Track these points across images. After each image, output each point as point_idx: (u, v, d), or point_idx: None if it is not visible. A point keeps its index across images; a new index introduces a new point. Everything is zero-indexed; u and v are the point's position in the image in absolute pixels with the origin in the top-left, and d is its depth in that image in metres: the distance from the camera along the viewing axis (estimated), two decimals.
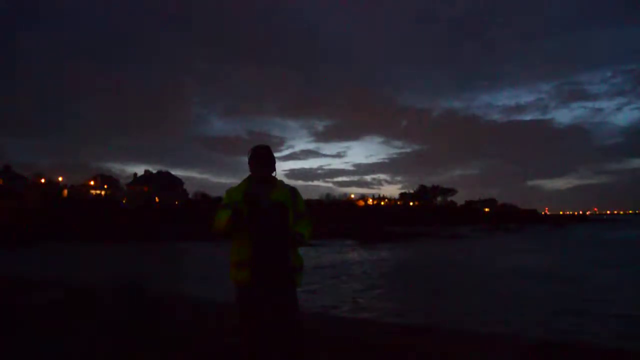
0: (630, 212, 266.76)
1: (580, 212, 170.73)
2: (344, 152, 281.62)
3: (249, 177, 2.89)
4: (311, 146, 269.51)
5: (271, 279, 2.70)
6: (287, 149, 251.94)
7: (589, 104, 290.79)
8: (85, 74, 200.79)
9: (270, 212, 2.73)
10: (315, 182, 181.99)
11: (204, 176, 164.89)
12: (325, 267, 21.56)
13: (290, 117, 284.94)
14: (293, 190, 2.91)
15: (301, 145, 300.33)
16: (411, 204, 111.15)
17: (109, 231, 43.25)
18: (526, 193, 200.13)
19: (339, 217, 67.54)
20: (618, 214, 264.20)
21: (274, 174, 2.90)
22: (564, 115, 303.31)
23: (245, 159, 2.91)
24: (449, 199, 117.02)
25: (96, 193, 76.27)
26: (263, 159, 2.83)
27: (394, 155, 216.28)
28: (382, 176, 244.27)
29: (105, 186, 79.33)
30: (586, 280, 16.77)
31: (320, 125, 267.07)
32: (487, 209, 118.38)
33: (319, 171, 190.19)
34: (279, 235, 2.71)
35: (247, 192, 2.78)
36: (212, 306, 7.24)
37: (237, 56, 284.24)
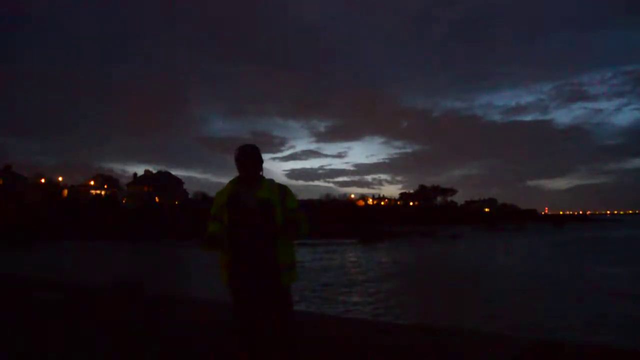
0: (630, 212, 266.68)
1: (580, 212, 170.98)
2: (345, 152, 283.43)
3: (236, 178, 2.88)
4: (312, 146, 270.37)
5: (253, 279, 2.68)
6: (288, 149, 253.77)
7: (589, 105, 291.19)
8: (86, 74, 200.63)
9: (254, 210, 2.70)
10: (316, 182, 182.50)
11: (205, 176, 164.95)
12: (325, 267, 21.55)
13: (292, 117, 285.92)
14: (283, 188, 2.86)
15: (302, 145, 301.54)
16: (411, 204, 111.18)
17: (109, 231, 43.24)
18: (526, 193, 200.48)
19: (339, 217, 67.51)
20: (618, 214, 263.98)
21: (261, 173, 2.88)
22: (564, 116, 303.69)
23: None
24: (449, 199, 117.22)
25: (96, 193, 76.27)
26: (248, 158, 2.80)
27: (395, 156, 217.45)
28: (382, 176, 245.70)
29: (105, 186, 79.35)
30: (583, 279, 16.77)
31: (321, 126, 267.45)
32: (487, 209, 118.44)
33: (320, 171, 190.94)
34: (263, 233, 2.68)
35: (231, 194, 2.79)
36: (211, 306, 7.24)
37: (239, 57, 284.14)
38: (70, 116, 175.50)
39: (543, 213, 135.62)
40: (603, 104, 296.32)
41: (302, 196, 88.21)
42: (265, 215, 2.71)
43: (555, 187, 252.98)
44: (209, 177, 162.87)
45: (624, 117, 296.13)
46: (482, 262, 25.14)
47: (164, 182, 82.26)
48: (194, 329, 5.33)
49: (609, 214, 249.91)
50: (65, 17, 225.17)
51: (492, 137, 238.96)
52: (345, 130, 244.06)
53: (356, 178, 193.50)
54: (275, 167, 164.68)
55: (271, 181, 2.89)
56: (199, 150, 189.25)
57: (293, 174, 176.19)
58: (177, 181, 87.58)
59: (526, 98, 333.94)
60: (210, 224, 2.81)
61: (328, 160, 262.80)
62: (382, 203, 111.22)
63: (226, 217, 2.74)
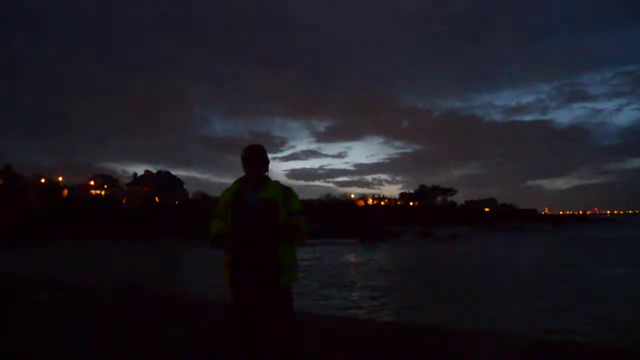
0: (630, 212, 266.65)
1: (580, 212, 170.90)
2: (345, 152, 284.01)
3: (242, 177, 2.91)
4: (312, 146, 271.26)
5: (253, 279, 2.69)
6: (288, 149, 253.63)
7: (589, 105, 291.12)
8: (86, 74, 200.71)
9: (257, 210, 2.72)
10: (316, 182, 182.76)
11: (205, 176, 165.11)
12: (325, 267, 21.56)
13: (292, 117, 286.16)
14: (287, 190, 2.88)
15: (302, 145, 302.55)
16: (411, 204, 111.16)
17: (109, 231, 43.23)
18: (526, 193, 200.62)
19: (339, 217, 67.48)
20: (618, 214, 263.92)
21: (266, 174, 2.90)
22: (564, 116, 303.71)
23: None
24: (449, 199, 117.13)
25: (96, 193, 76.26)
26: (255, 158, 2.85)
27: (395, 156, 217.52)
28: (382, 176, 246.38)
29: (105, 186, 79.34)
30: (583, 279, 16.77)
31: (321, 126, 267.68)
32: (487, 209, 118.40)
33: (320, 171, 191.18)
34: (264, 233, 2.69)
35: (236, 192, 2.82)
36: (212, 306, 7.24)
37: (239, 57, 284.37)
38: (70, 116, 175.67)
39: (543, 213, 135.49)
40: (603, 104, 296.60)
41: (302, 196, 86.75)
42: (268, 215, 2.72)
43: (555, 187, 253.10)
44: (209, 177, 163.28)
45: (624, 117, 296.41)
46: (481, 262, 25.15)
47: (164, 182, 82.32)
48: (193, 329, 5.33)
49: (609, 214, 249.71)
50: (65, 16, 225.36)
51: (492, 137, 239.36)
52: (345, 130, 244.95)
53: (356, 178, 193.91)
54: (275, 167, 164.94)
55: (276, 183, 2.92)
56: (199, 150, 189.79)
57: (293, 174, 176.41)
58: (177, 181, 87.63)
59: (526, 98, 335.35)
60: (215, 222, 2.84)
61: (328, 160, 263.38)
62: (382, 203, 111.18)
63: (230, 215, 2.77)
